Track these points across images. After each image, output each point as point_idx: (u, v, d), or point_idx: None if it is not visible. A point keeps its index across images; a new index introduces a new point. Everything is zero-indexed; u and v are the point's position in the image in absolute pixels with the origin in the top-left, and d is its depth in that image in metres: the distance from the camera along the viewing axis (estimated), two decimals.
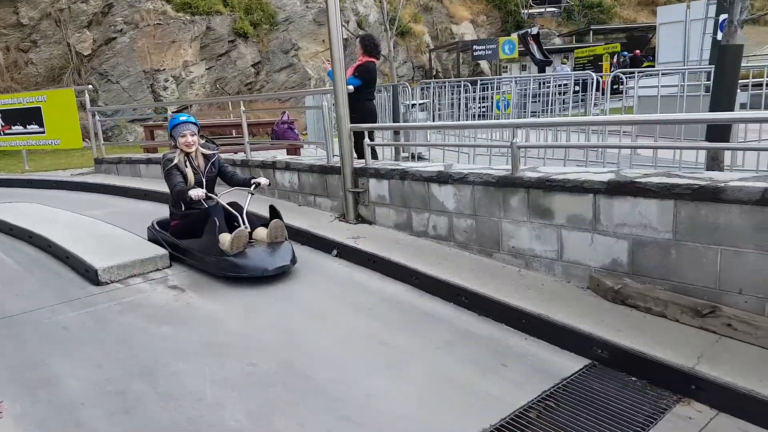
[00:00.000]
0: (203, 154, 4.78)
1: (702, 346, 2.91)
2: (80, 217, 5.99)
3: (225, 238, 4.25)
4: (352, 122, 5.30)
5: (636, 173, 3.61)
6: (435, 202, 4.67)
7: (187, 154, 4.67)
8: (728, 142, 4.17)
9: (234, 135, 9.72)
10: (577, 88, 9.87)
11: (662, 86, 7.58)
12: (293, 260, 4.42)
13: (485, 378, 2.99)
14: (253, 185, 4.72)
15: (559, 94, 9.71)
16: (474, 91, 10.48)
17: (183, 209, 4.65)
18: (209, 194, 4.59)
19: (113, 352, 3.35)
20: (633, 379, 2.91)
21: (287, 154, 8.19)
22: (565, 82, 10.02)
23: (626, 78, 8.72)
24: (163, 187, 7.68)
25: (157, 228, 5.06)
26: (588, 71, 10.05)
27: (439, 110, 10.94)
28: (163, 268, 4.68)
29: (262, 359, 3.21)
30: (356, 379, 3.00)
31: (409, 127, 7.25)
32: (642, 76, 8.74)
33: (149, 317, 3.83)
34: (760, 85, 6.41)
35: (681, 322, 3.17)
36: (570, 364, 3.09)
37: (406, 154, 8.52)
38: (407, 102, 9.64)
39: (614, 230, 3.54)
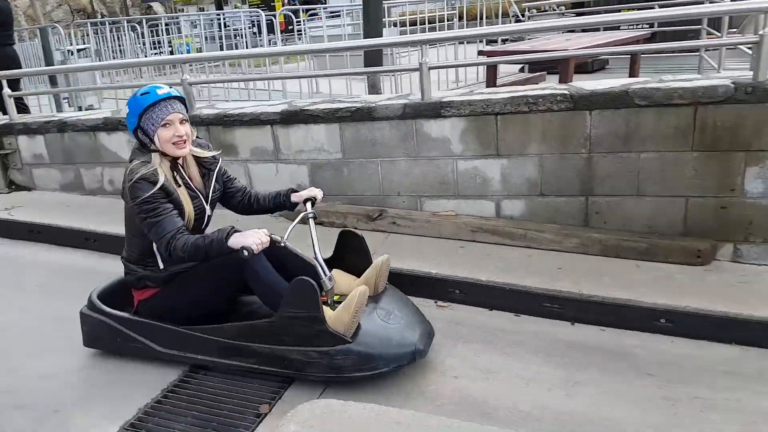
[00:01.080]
0: (196, 159, 2.49)
1: (375, 244, 3.36)
2: None
3: (333, 312, 2.27)
4: None
5: (305, 102, 3.84)
6: (108, 154, 4.21)
7: (175, 163, 2.40)
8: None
9: None
10: (255, 30, 9.90)
11: (328, 26, 8.16)
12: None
13: None
14: (308, 202, 2.61)
15: (236, 36, 9.61)
16: (144, 35, 9.59)
17: (163, 266, 2.41)
18: (272, 236, 2.28)
19: None
20: None
21: None
22: (241, 25, 9.94)
23: (295, 20, 9.09)
24: None
25: (109, 311, 2.52)
26: (258, 10, 10.14)
27: (113, 57, 9.74)
28: None
29: None
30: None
31: (58, 71, 6.27)
32: (311, 18, 9.23)
33: None
34: (413, 23, 7.48)
35: (359, 228, 3.59)
36: None
37: (73, 108, 7.42)
38: (64, 48, 8.29)
39: (294, 157, 3.75)
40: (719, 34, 6.03)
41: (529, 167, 3.21)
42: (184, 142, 2.31)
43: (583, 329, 2.75)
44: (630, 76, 5.20)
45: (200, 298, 2.41)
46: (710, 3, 6.22)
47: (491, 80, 5.12)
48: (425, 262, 3.13)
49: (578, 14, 8.45)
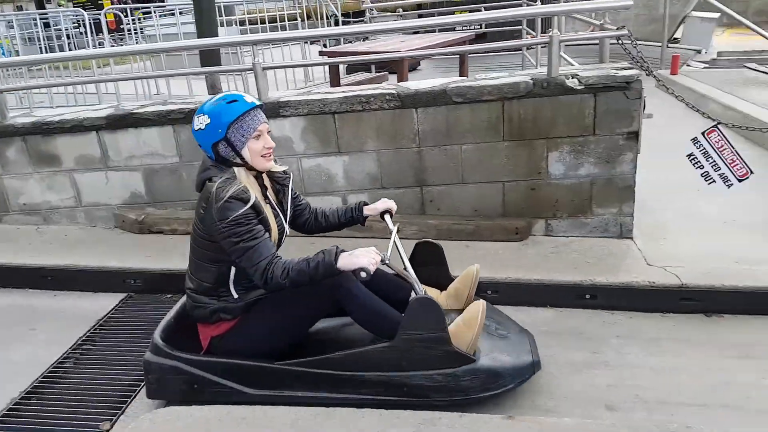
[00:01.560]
0: (269, 175, 2.21)
1: None
2: None
3: (451, 330, 2.07)
4: None
5: (134, 105, 3.66)
6: None
7: (259, 178, 2.13)
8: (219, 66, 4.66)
9: None
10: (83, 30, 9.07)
11: (165, 25, 7.78)
12: None
13: (10, 349, 2.67)
14: (386, 214, 2.42)
15: (59, 37, 8.74)
16: None
17: (237, 296, 2.13)
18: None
19: None
20: (169, 296, 3.10)
21: None
22: (65, 25, 9.05)
23: (125, 19, 8.54)
24: None
25: (184, 355, 2.14)
26: (81, 9, 9.32)
27: None
28: None
29: None
30: None
31: None
32: (146, 16, 8.72)
33: None
34: (254, 22, 7.36)
35: None
36: (106, 303, 3.04)
37: None
38: None
39: (125, 163, 3.56)
40: (534, 34, 6.78)
41: (368, 163, 3.38)
42: (271, 155, 2.09)
43: None
44: (460, 75, 5.65)
45: (286, 328, 2.15)
46: (527, 6, 6.96)
47: (334, 80, 5.26)
48: None
49: (419, 16, 8.94)
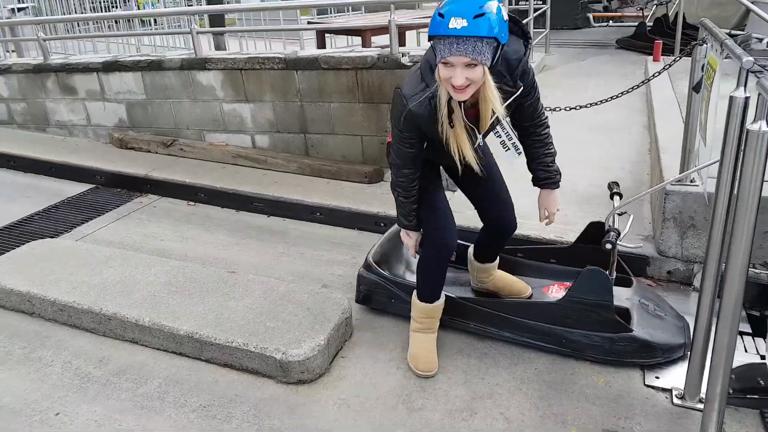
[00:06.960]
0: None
1: (160, 164, 4.63)
2: None
3: None
4: None
5: (123, 55, 5.03)
6: None
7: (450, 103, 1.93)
8: None
9: None
10: None
11: None
12: None
13: (14, 204, 4.22)
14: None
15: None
16: None
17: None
18: None
19: None
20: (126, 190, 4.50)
21: None
22: None
23: None
24: None
25: (386, 275, 2.68)
26: None
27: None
28: None
29: None
30: None
31: None
32: None
33: None
34: None
35: (157, 153, 4.84)
36: (77, 189, 4.50)
37: None
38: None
39: (115, 97, 4.96)
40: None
41: (267, 111, 4.45)
42: (462, 91, 1.81)
43: (274, 220, 4.01)
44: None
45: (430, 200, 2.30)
46: None
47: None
48: (189, 176, 4.40)
49: None
